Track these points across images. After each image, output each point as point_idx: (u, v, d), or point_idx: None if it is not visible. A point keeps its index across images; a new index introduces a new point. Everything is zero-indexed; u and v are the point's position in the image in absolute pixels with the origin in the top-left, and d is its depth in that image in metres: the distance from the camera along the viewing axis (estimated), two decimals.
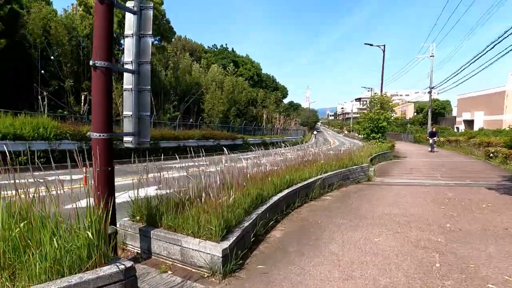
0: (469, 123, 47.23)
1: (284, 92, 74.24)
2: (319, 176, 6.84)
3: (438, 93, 39.37)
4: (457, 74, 26.99)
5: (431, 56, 36.30)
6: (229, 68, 32.68)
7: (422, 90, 45.38)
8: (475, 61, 24.59)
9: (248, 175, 5.24)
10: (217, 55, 44.52)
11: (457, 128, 50.43)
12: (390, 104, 17.83)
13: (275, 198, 4.86)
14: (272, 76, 64.72)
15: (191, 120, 24.69)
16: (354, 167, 8.78)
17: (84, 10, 20.02)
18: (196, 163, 5.07)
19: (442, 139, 29.05)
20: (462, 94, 51.26)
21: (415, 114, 66.27)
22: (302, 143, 45.31)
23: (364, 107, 36.75)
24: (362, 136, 18.70)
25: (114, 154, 3.23)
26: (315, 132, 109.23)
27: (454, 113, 58.73)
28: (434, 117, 39.76)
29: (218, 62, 43.66)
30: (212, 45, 47.28)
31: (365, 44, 24.19)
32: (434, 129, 23.33)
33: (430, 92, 35.61)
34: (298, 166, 7.23)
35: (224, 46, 46.58)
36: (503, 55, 19.39)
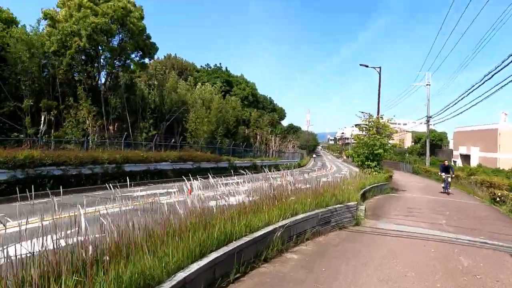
0: (466, 157, 46.04)
1: (281, 114, 73.27)
2: (280, 223, 4.78)
3: (434, 124, 38.26)
4: (455, 104, 25.79)
5: (427, 84, 35.49)
6: (216, 86, 31.29)
7: (419, 120, 44.37)
8: (472, 91, 23.43)
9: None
10: (210, 75, 43.58)
11: (454, 162, 49.11)
12: (387, 129, 16.11)
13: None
14: (270, 98, 63.98)
15: (173, 140, 22.77)
16: (337, 206, 6.77)
17: (50, 24, 18.73)
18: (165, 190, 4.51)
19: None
20: (459, 127, 50.52)
21: (413, 143, 65.10)
22: (297, 167, 43.54)
23: (361, 132, 35.45)
24: (357, 163, 16.76)
25: None
26: (314, 156, 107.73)
27: (451, 145, 57.80)
28: (432, 148, 38.38)
29: (210, 81, 42.65)
30: (205, 65, 46.59)
31: (360, 65, 22.99)
32: (447, 163, 17.87)
33: (427, 122, 34.32)
34: (258, 206, 5.21)
35: (218, 65, 45.84)
36: (502, 86, 18.03)
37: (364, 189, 12.13)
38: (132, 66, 23.68)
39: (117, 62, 22.22)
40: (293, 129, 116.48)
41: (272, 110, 61.91)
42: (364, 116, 16.43)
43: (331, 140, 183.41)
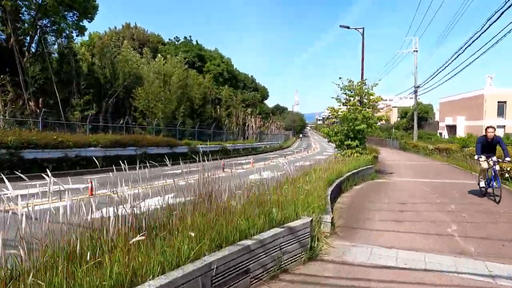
0: (452, 128, 44.37)
1: (264, 94, 69.40)
2: None
3: (421, 95, 35.83)
4: (443, 69, 23.00)
5: (414, 51, 32.37)
6: (179, 57, 27.06)
7: (405, 93, 41.80)
8: (459, 54, 20.49)
9: None
10: (178, 48, 38.89)
11: (440, 133, 47.48)
12: (372, 98, 12.92)
13: None
14: (252, 76, 59.90)
15: (121, 121, 19.00)
16: (268, 234, 3.48)
17: None
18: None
19: (431, 147, 24.73)
20: (444, 98, 48.40)
21: (399, 119, 63.12)
22: (279, 149, 40.47)
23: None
24: (334, 143, 13.65)
25: None
26: (301, 136, 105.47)
27: (437, 117, 56.14)
28: (418, 121, 36.08)
29: (178, 56, 38.03)
30: (174, 37, 41.65)
31: (340, 26, 19.47)
32: (491, 132, 8.16)
33: (415, 92, 31.51)
34: None
35: (188, 38, 41.00)
36: (487, 49, 15.28)
37: (340, 179, 9.05)
38: (66, 31, 19.24)
39: (45, 23, 17.78)
40: (279, 110, 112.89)
41: (254, 89, 58.10)
42: (342, 83, 13.12)
43: (319, 120, 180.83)
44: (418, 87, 31.28)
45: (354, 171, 10.86)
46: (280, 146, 43.04)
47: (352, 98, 13.24)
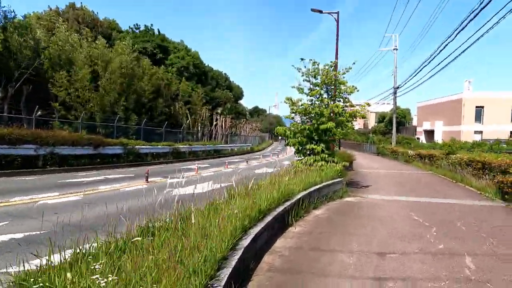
0: (429, 133, 43.05)
1: (238, 93, 65.82)
2: None
3: (399, 97, 33.85)
4: (421, 69, 20.80)
5: (394, 49, 30.13)
6: (126, 43, 22.75)
7: (383, 100, 40.06)
8: (434, 57, 18.21)
9: None
10: (137, 37, 34.47)
11: (418, 138, 46.12)
12: (344, 87, 9.67)
13: None
14: (225, 74, 56.17)
15: (38, 113, 14.67)
16: None
17: None
18: None
19: (411, 152, 22.17)
20: (421, 102, 47.26)
21: (376, 124, 61.89)
22: (250, 152, 36.88)
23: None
24: (294, 148, 10.21)
25: None
26: (279, 138, 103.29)
27: (414, 122, 55.21)
28: (396, 126, 34.02)
29: (137, 45, 33.61)
30: (134, 25, 37.09)
31: (312, 10, 16.39)
32: None
33: (394, 93, 29.17)
34: None
35: (150, 27, 36.63)
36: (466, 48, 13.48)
37: (285, 207, 5.64)
38: None
39: None
40: (258, 112, 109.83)
41: (227, 88, 54.42)
42: (304, 66, 9.74)
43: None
44: (398, 87, 29.00)
45: (314, 188, 7.50)
46: (251, 149, 39.58)
47: (317, 88, 9.91)
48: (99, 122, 19.34)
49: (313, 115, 9.37)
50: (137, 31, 36.76)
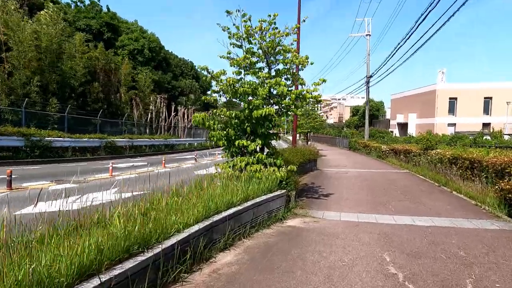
0: (403, 126, 41.80)
1: (206, 84, 61.65)
2: None
3: (370, 95, 31.91)
4: (394, 53, 18.67)
5: (367, 35, 27.66)
6: (50, 11, 18.07)
7: (356, 93, 37.89)
8: (405, 41, 15.92)
9: None
10: (81, 13, 29.46)
11: (392, 132, 44.87)
12: (290, 57, 6.49)
13: None
14: (191, 62, 51.76)
15: None
16: None
17: None
18: None
19: (385, 147, 19.81)
20: (395, 94, 45.98)
21: (350, 117, 60.55)
22: (210, 148, 33.09)
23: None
24: (220, 145, 6.93)
25: None
26: None
27: (388, 115, 54.28)
28: (369, 119, 32.10)
29: (79, 22, 28.68)
30: None
31: None
32: None
33: (367, 83, 26.80)
34: None
35: (96, 1, 31.56)
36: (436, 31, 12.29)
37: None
38: None
39: None
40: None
41: (193, 78, 50.20)
42: (234, 23, 6.44)
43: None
44: (371, 76, 26.65)
45: (225, 215, 4.31)
46: (216, 143, 35.97)
47: (252, 57, 6.65)
48: (4, 107, 15.02)
49: (240, 95, 6.13)
50: (82, 5, 31.58)
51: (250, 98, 6.35)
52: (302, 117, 25.70)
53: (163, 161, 14.07)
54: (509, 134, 25.00)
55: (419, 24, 13.94)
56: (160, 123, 28.93)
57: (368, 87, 26.87)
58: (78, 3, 31.45)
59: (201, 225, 3.90)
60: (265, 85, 6.35)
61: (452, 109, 34.84)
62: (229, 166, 6.54)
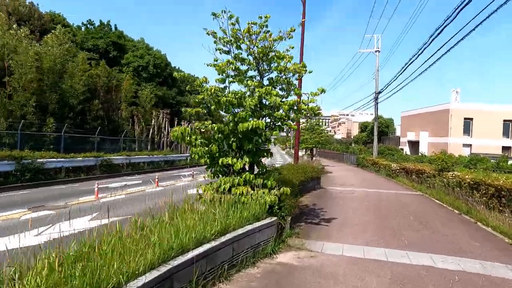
0: (414, 144, 40.25)
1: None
2: None
3: (379, 112, 30.95)
4: (405, 69, 17.67)
5: (376, 51, 27.05)
6: (57, 32, 18.05)
7: (363, 109, 36.95)
8: (422, 52, 15.06)
9: None
10: (90, 34, 30.05)
11: (402, 149, 43.29)
12: (283, 63, 5.67)
13: None
14: (197, 78, 52.01)
15: None
16: None
17: None
18: None
19: (395, 166, 18.56)
20: (406, 111, 44.76)
21: (358, 133, 59.36)
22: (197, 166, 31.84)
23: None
24: (203, 162, 6.02)
25: None
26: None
27: (398, 132, 52.81)
28: (378, 136, 30.82)
29: (88, 42, 29.15)
30: (87, 21, 32.61)
31: None
32: None
33: (376, 99, 25.88)
34: None
35: (105, 23, 32.26)
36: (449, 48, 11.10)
37: None
38: None
39: None
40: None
41: (199, 93, 50.24)
42: (221, 25, 5.75)
43: (283, 132, 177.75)
44: (380, 92, 25.78)
45: (199, 251, 3.35)
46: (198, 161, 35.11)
47: (242, 65, 5.91)
48: (1, 129, 14.70)
49: (225, 106, 5.32)
50: (92, 27, 32.30)
51: (237, 110, 5.54)
52: (306, 132, 24.80)
53: (156, 180, 13.25)
54: None
55: (432, 40, 13.12)
56: (162, 138, 28.44)
57: (377, 103, 25.94)
58: (89, 25, 32.19)
59: (154, 273, 2.97)
60: (255, 95, 5.54)
61: (467, 130, 33.29)
62: (212, 188, 5.64)
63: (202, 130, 5.71)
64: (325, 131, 27.87)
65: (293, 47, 6.42)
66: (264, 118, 6.00)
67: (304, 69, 6.19)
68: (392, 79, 29.22)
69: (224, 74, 5.77)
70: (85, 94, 19.02)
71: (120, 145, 20.53)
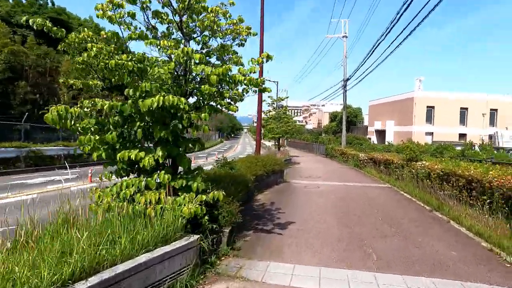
0: (381, 133, 40.81)
1: None
2: None
3: (348, 102, 30.57)
4: (371, 54, 16.93)
5: (343, 36, 26.12)
6: None
7: (333, 98, 36.60)
8: (390, 30, 14.25)
9: None
10: (19, 6, 25.80)
11: (369, 138, 43.86)
12: (211, 17, 4.03)
13: None
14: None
15: None
16: None
17: None
18: None
19: (363, 156, 17.85)
20: (373, 100, 45.23)
21: (328, 123, 59.53)
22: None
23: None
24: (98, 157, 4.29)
25: None
26: (236, 137, 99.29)
27: (366, 121, 53.60)
28: (347, 125, 30.46)
29: (17, 17, 24.96)
30: None
31: None
32: None
33: (344, 86, 25.08)
34: None
35: None
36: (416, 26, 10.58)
37: None
38: None
39: None
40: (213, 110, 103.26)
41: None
42: None
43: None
44: (348, 79, 25.00)
45: None
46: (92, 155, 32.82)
47: (155, 21, 4.17)
48: None
49: (118, 74, 3.59)
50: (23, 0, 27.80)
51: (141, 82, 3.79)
52: (273, 120, 23.46)
53: (90, 175, 11.13)
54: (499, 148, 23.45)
55: (400, 16, 12.17)
56: None
57: (345, 91, 25.17)
58: None
59: None
60: (171, 59, 3.83)
61: (429, 118, 34.03)
62: (112, 194, 3.91)
63: (93, 110, 3.91)
64: (292, 119, 26.62)
65: (234, 4, 4.73)
66: (190, 96, 4.33)
67: (247, 30, 4.56)
68: (360, 63, 28.60)
69: (121, 26, 3.97)
70: (5, 73, 15.86)
71: (59, 134, 17.70)
